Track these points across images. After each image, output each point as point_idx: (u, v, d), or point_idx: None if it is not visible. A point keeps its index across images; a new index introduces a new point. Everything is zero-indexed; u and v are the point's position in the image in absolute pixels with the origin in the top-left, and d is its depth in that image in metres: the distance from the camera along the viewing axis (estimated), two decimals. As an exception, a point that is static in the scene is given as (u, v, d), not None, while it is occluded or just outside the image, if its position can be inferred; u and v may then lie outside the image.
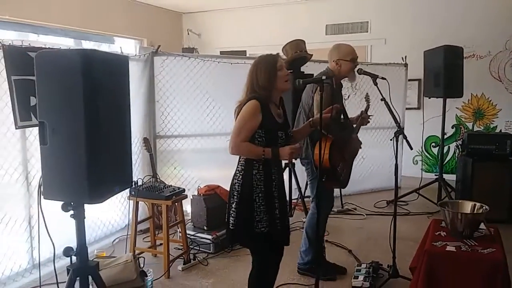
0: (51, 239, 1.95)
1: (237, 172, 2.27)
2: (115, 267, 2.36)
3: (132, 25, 7.45)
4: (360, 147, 3.11)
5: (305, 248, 3.20)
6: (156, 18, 7.93)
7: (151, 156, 4.20)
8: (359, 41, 7.01)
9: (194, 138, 4.67)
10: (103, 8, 6.86)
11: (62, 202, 1.78)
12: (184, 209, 4.47)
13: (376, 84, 2.98)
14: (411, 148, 2.96)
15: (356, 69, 3.02)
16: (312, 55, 4.24)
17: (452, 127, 6.52)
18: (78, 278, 1.84)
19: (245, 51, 6.79)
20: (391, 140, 2.96)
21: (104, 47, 7.05)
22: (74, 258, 1.90)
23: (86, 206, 3.54)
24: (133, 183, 3.29)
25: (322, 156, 2.67)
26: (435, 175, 5.02)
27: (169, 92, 4.46)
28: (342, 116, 3.04)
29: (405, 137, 2.95)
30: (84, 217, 1.84)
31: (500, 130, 6.18)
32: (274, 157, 2.20)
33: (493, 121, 6.28)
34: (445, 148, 6.41)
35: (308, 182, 3.19)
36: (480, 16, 6.13)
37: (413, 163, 6.73)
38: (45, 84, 1.61)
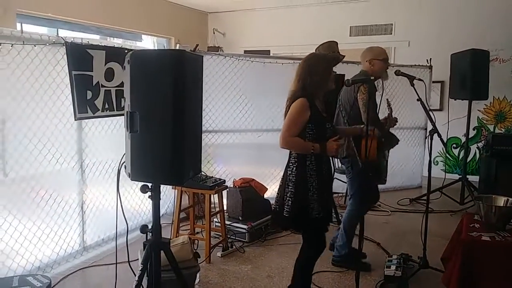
0: (125, 218, 2.16)
1: (291, 164, 2.45)
2: (173, 247, 2.57)
3: (159, 23, 7.64)
4: (398, 141, 3.29)
5: (342, 243, 3.37)
6: (183, 17, 8.16)
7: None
8: (383, 43, 7.12)
9: (227, 133, 4.89)
10: (131, 5, 7.08)
11: (141, 185, 1.99)
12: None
13: (413, 85, 3.15)
14: (445, 146, 3.13)
15: (393, 70, 3.19)
16: (344, 56, 4.41)
17: (474, 129, 6.63)
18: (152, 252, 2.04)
19: (269, 50, 6.98)
20: (425, 138, 3.13)
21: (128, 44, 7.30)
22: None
23: (130, 194, 3.75)
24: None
25: (368, 151, 2.86)
26: (458, 175, 5.16)
27: (205, 89, 4.63)
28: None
29: (439, 136, 3.12)
30: (160, 198, 2.05)
31: (521, 133, 6.30)
32: (322, 152, 2.39)
33: (515, 124, 6.39)
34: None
35: (347, 180, 3.36)
36: (504, 20, 6.24)
37: (434, 164, 6.84)
38: (140, 80, 1.82)
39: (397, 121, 3.37)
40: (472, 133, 6.61)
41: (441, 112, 6.49)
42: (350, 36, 7.39)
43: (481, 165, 4.99)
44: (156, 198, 2.04)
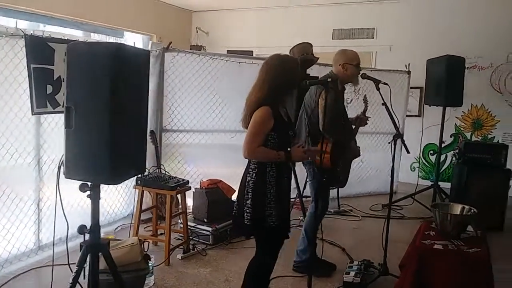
0: (66, 218, 2.08)
1: (250, 170, 2.37)
2: (121, 249, 2.50)
3: (142, 20, 7.56)
4: (359, 154, 3.26)
5: (303, 247, 3.32)
6: (167, 14, 8.07)
7: (156, 148, 4.34)
8: (364, 47, 7.15)
9: (199, 133, 4.82)
10: (114, 1, 6.99)
11: (80, 183, 1.92)
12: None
13: (378, 89, 3.12)
14: (408, 152, 3.11)
15: (360, 74, 3.16)
16: (318, 58, 4.39)
17: (451, 136, 6.65)
18: (89, 254, 1.97)
19: (252, 51, 6.93)
20: (389, 143, 3.09)
21: (112, 41, 7.20)
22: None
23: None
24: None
25: (323, 156, 2.82)
26: (431, 181, 5.15)
27: (177, 87, 4.61)
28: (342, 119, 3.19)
29: (403, 141, 3.09)
30: (99, 198, 1.98)
31: (498, 141, 6.32)
32: (288, 160, 2.33)
33: (491, 131, 6.41)
34: (442, 157, 6.55)
35: (308, 183, 3.32)
36: (483, 28, 6.27)
37: (411, 170, 6.86)
38: (75, 73, 1.75)
39: (367, 122, 3.33)
40: (449, 140, 6.63)
41: (419, 118, 6.50)
42: (332, 39, 7.37)
43: (453, 172, 4.98)
44: (95, 198, 1.96)
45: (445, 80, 4.74)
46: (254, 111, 2.31)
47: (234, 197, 4.29)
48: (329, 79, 2.50)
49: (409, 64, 5.98)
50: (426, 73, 5.14)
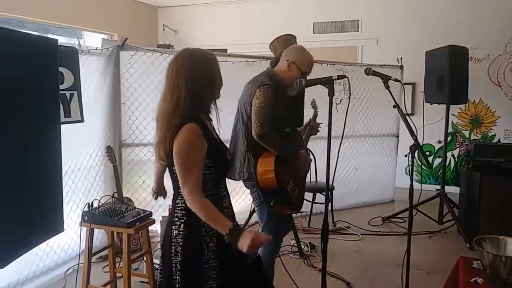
0: None
1: (176, 219, 1.68)
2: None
3: (102, 18, 6.79)
4: (309, 166, 2.63)
5: None
6: (129, 11, 7.28)
7: (115, 168, 3.54)
8: (349, 40, 6.54)
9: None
10: (69, -1, 6.17)
11: None
12: (154, 228, 3.88)
13: (388, 87, 2.45)
14: (431, 167, 2.46)
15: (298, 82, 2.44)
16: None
17: (448, 135, 6.08)
18: None
19: (226, 49, 6.22)
20: (405, 156, 2.45)
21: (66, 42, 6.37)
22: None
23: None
24: (88, 205, 2.68)
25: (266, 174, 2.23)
26: (436, 189, 4.55)
27: (138, 93, 3.83)
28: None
29: (423, 153, 2.45)
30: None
31: (499, 140, 5.79)
32: (232, 239, 1.56)
33: (491, 129, 5.87)
34: (441, 158, 6.00)
35: (255, 209, 2.61)
36: (479, 17, 5.72)
37: (406, 173, 6.26)
38: None
39: (319, 128, 2.75)
40: (447, 140, 6.07)
41: (413, 117, 5.89)
42: (313, 33, 6.71)
43: (462, 178, 4.38)
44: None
45: (448, 74, 4.12)
46: (174, 133, 1.59)
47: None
48: (334, 76, 1.82)
49: (401, 58, 5.37)
50: (426, 67, 4.52)
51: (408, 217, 2.53)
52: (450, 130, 6.07)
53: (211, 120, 1.77)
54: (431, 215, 4.61)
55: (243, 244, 1.53)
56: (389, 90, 2.45)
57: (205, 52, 1.74)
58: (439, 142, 5.97)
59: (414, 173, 6.29)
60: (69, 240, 3.39)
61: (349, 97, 2.06)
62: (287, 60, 2.53)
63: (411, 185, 2.48)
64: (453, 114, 6.02)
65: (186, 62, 1.64)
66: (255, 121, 2.34)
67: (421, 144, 6.06)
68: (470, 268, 2.05)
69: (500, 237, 1.98)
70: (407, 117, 2.45)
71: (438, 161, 6.06)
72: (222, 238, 1.59)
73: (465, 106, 5.88)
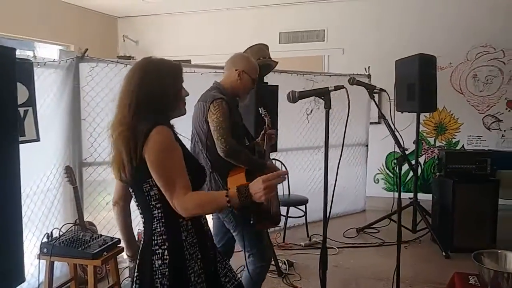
0: None
1: (157, 247, 1.48)
2: None
3: (56, 28, 6.43)
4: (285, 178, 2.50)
5: None
6: (86, 21, 6.93)
7: (75, 189, 3.24)
8: (314, 50, 6.53)
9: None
10: (21, 8, 5.76)
11: None
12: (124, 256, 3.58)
13: (373, 97, 2.36)
14: (416, 176, 2.37)
15: (348, 78, 2.38)
16: (277, 62, 3.57)
17: (413, 142, 6.15)
18: None
19: (190, 60, 6.03)
20: (393, 168, 2.36)
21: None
22: None
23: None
24: (47, 235, 2.40)
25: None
26: (409, 198, 4.53)
27: (100, 107, 3.54)
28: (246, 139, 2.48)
29: (410, 165, 2.37)
30: None
31: (463, 146, 5.93)
32: (244, 201, 1.36)
33: (455, 135, 6.01)
34: (406, 165, 6.05)
35: (234, 235, 2.42)
36: (440, 25, 5.89)
37: (374, 182, 6.28)
38: None
39: (273, 135, 2.61)
40: (412, 147, 6.14)
41: (380, 125, 5.94)
42: (279, 43, 6.66)
43: (434, 186, 4.38)
44: None
45: (418, 83, 4.13)
46: (143, 140, 1.40)
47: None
48: (330, 87, 1.68)
49: (369, 67, 5.39)
50: (396, 76, 4.53)
51: (397, 230, 2.45)
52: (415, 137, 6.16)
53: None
54: (404, 223, 4.58)
55: (257, 190, 1.33)
56: (374, 100, 2.36)
57: (169, 63, 1.57)
58: (406, 149, 6.02)
59: (382, 181, 6.33)
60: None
61: (349, 108, 1.92)
62: (236, 70, 2.40)
63: (400, 197, 2.41)
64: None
65: (146, 71, 1.51)
66: (218, 137, 2.18)
67: (388, 152, 6.13)
68: (467, 285, 1.95)
69: (499, 251, 1.91)
70: (394, 130, 2.35)
71: (405, 168, 6.11)
72: (205, 258, 1.46)
73: (430, 113, 5.98)
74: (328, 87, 1.75)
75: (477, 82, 5.87)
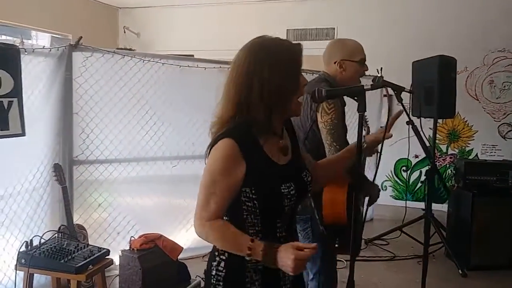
0: None
1: (216, 253, 1.29)
2: None
3: (54, 17, 6.19)
4: (378, 196, 2.17)
5: None
6: (86, 11, 6.67)
7: (64, 189, 2.96)
8: (324, 49, 6.22)
9: (127, 164, 3.49)
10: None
11: None
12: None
13: (400, 100, 2.06)
14: (449, 193, 2.09)
15: (372, 79, 2.10)
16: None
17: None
18: None
19: (193, 55, 5.75)
20: (422, 182, 2.08)
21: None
22: None
23: None
24: (26, 244, 2.11)
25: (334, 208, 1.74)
26: (422, 209, 4.24)
27: (94, 101, 3.26)
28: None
29: (441, 179, 2.09)
30: None
31: (476, 154, 5.65)
32: (266, 261, 1.18)
33: (469, 143, 5.72)
34: (417, 173, 5.79)
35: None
36: (456, 29, 5.60)
37: (382, 189, 5.99)
38: None
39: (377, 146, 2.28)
40: (423, 154, 5.87)
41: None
42: (287, 40, 6.37)
43: (451, 198, 4.08)
44: None
45: (438, 86, 3.84)
46: (208, 150, 1.26)
47: (182, 255, 3.06)
48: (366, 85, 1.41)
49: (381, 68, 5.09)
50: (413, 78, 4.24)
51: (423, 249, 2.14)
52: (427, 144, 5.89)
53: (281, 137, 1.33)
54: (415, 236, 4.31)
55: (284, 263, 1.15)
56: (402, 104, 2.07)
57: (283, 44, 1.31)
58: (416, 156, 5.76)
59: (390, 188, 6.05)
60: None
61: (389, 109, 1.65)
62: (335, 62, 2.12)
63: (429, 208, 2.10)
64: (430, 128, 5.84)
65: (256, 54, 1.26)
66: (331, 143, 1.90)
67: (398, 158, 5.85)
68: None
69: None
70: (422, 136, 2.06)
71: (414, 176, 5.85)
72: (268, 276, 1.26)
73: (442, 120, 5.71)
74: (363, 85, 1.47)
75: (494, 88, 5.59)
